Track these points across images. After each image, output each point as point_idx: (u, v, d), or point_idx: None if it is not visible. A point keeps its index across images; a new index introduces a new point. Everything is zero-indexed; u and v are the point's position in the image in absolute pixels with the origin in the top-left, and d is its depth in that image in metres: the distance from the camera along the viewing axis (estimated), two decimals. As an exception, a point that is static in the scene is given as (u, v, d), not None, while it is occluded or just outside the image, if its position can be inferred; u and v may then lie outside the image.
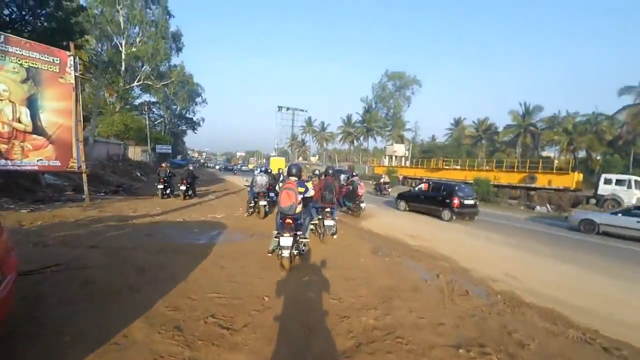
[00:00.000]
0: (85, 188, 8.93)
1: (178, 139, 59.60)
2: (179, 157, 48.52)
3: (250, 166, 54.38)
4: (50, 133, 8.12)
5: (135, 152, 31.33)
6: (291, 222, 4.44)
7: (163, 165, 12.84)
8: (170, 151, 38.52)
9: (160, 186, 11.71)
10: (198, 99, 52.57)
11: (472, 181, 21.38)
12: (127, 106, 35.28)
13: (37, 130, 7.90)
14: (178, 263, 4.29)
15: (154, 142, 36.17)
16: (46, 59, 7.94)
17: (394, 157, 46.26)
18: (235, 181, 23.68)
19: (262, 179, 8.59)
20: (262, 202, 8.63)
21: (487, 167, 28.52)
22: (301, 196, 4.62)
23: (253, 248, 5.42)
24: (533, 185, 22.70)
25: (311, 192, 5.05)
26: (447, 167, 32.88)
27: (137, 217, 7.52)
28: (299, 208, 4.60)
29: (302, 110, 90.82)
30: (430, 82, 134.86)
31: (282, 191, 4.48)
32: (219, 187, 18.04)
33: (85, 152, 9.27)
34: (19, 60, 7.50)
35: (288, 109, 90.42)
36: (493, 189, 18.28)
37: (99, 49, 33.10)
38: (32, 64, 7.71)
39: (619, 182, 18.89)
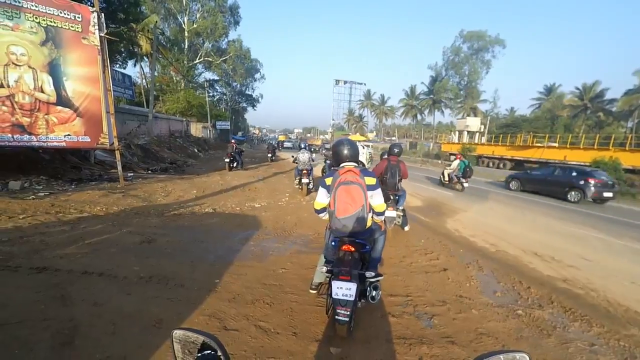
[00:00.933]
0: (119, 167, 8.02)
1: (239, 116, 61.19)
2: (240, 133, 49.61)
3: (281, 138, 52.41)
4: (77, 104, 7.16)
5: (196, 129, 32.22)
6: (354, 249, 2.41)
7: (232, 141, 14.01)
8: (229, 127, 39.10)
9: (227, 160, 12.83)
10: (257, 75, 52.45)
11: (588, 164, 16.38)
12: (191, 84, 36.27)
13: (62, 101, 6.97)
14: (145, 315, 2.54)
15: (215, 119, 36.94)
16: (66, 15, 6.79)
17: (465, 133, 40.24)
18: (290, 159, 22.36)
19: (303, 156, 8.62)
20: (305, 180, 8.41)
21: (597, 146, 22.17)
22: (373, 194, 2.44)
23: (290, 275, 3.49)
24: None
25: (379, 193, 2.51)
26: (539, 144, 26.81)
27: (159, 207, 6.21)
28: (370, 220, 2.49)
29: (360, 84, 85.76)
30: (512, 43, 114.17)
31: (338, 188, 2.35)
32: (270, 167, 16.76)
33: (147, 128, 8.29)
34: (36, 18, 6.44)
35: (345, 82, 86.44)
36: (626, 174, 13.38)
37: (165, 28, 34.14)
38: (51, 21, 6.62)
39: None
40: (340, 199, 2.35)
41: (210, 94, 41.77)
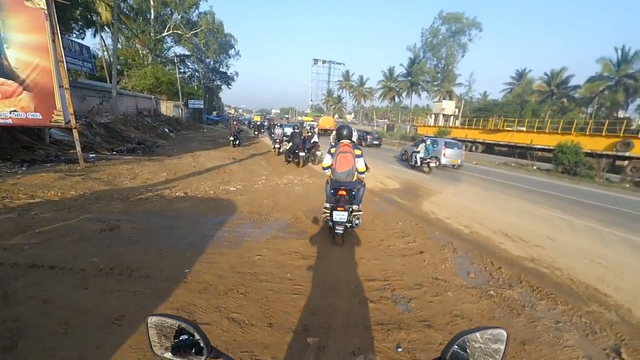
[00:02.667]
0: (78, 147, 7.35)
1: (213, 95, 58.47)
2: (214, 113, 47.45)
3: (256, 118, 49.71)
4: (24, 77, 6.36)
5: (167, 107, 30.42)
6: (345, 193, 3.97)
7: (234, 123, 16.94)
8: (202, 106, 37.25)
9: (231, 138, 15.15)
10: (231, 52, 49.88)
11: (552, 147, 17.26)
12: (159, 59, 33.86)
13: (4, 71, 6.16)
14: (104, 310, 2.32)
15: (187, 97, 34.98)
16: (3, -28, 5.89)
17: (441, 116, 41.05)
18: (267, 141, 21.84)
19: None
20: (302, 153, 10.41)
21: (561, 130, 23.39)
22: (359, 160, 4.00)
23: (266, 262, 3.36)
24: (627, 154, 17.97)
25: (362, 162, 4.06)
26: (509, 128, 27.88)
27: (124, 190, 5.78)
28: (355, 176, 4.05)
29: (339, 64, 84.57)
30: (488, 27, 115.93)
31: (338, 155, 3.95)
32: (255, 146, 16.26)
33: (111, 105, 7.54)
34: (-36, -27, 5.53)
35: (324, 62, 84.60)
36: (578, 158, 14.19)
37: (127, -5, 31.15)
38: (-16, -22, 5.72)
39: None
40: (339, 161, 3.92)
41: (182, 71, 39.35)
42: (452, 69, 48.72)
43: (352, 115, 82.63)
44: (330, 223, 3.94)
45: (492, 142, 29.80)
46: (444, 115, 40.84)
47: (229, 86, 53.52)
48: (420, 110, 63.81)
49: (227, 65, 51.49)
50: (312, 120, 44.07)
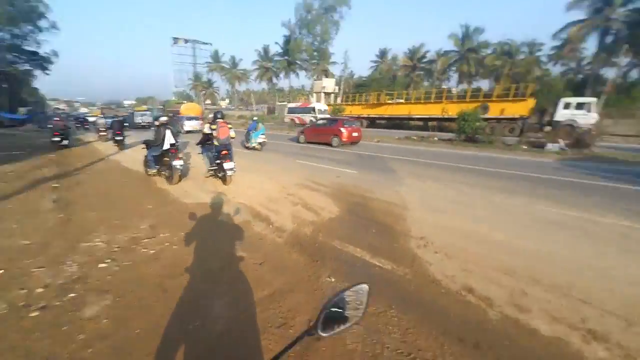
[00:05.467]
0: None
1: (22, 84, 41.06)
2: (22, 110, 32.62)
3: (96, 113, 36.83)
4: None
5: None
6: (227, 152, 6.44)
7: (57, 119, 13.19)
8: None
9: (56, 139, 11.92)
10: (42, 23, 35.10)
11: (455, 116, 17.83)
12: None
13: None
14: None
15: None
16: None
17: (322, 95, 40.61)
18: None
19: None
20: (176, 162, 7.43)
21: (434, 99, 25.74)
22: (231, 131, 6.79)
23: None
24: (486, 116, 20.74)
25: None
26: (390, 101, 29.19)
27: None
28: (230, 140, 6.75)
29: (205, 43, 73.88)
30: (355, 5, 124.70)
31: (220, 128, 6.50)
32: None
33: None
34: None
35: (186, 41, 72.31)
36: (478, 123, 14.86)
37: None
38: None
39: (579, 106, 17.85)
40: (221, 132, 6.56)
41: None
42: (327, 47, 48.77)
43: (227, 101, 75.24)
44: (220, 174, 6.68)
45: (374, 116, 30.85)
46: (325, 93, 40.60)
47: (46, 71, 38.48)
48: (297, 91, 62.90)
49: (37, 42, 36.38)
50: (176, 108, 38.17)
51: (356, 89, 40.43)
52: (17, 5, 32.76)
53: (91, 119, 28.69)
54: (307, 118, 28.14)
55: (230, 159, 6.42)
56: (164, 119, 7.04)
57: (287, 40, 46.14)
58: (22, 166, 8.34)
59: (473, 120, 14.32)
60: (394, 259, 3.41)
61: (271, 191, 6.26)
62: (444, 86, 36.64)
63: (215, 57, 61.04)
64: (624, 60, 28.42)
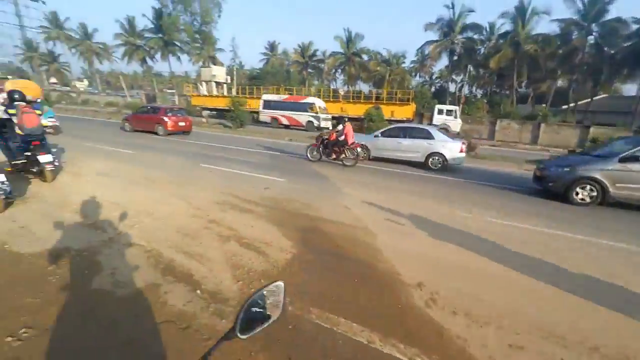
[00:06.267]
0: None
1: None
2: None
3: None
4: None
5: None
6: (39, 142, 5.31)
7: None
8: None
9: None
10: None
11: (362, 116, 17.95)
12: None
13: None
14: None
15: None
16: None
17: (213, 84, 36.21)
18: None
19: None
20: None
21: (332, 98, 26.29)
22: (42, 118, 5.59)
23: None
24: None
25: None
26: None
27: None
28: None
29: (37, 1, 54.39)
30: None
31: (23, 115, 5.04)
32: None
33: None
34: None
35: (1, -8, 51.69)
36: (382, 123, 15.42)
37: None
38: None
39: (448, 112, 21.23)
40: (27, 120, 5.11)
41: None
42: (211, 31, 43.69)
43: (85, 82, 59.12)
44: (34, 168, 5.39)
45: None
46: (216, 82, 36.37)
47: None
48: (180, 78, 54.93)
49: None
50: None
51: (250, 81, 37.85)
52: None
53: None
54: (303, 119, 21.21)
55: (47, 152, 5.41)
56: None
57: (159, 15, 38.95)
58: None
59: (380, 120, 14.87)
60: (411, 338, 2.23)
61: (182, 217, 4.17)
62: (332, 87, 38.56)
63: (54, 21, 46.20)
64: (460, 77, 36.45)
